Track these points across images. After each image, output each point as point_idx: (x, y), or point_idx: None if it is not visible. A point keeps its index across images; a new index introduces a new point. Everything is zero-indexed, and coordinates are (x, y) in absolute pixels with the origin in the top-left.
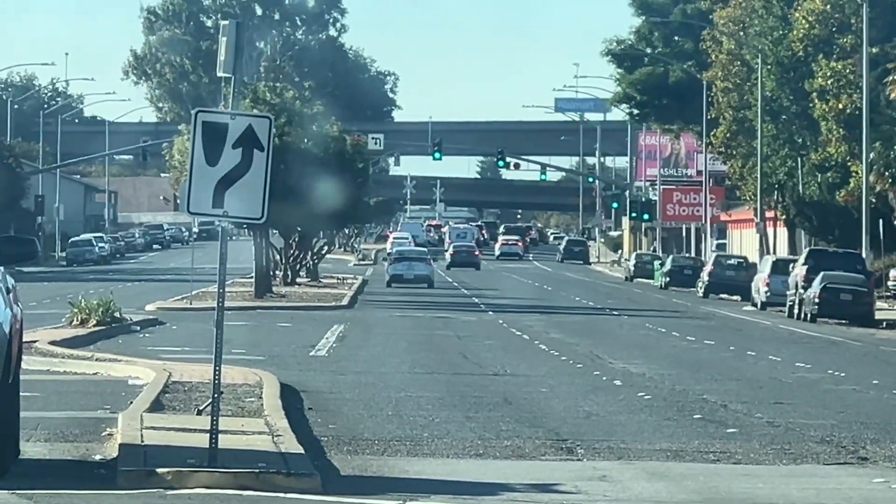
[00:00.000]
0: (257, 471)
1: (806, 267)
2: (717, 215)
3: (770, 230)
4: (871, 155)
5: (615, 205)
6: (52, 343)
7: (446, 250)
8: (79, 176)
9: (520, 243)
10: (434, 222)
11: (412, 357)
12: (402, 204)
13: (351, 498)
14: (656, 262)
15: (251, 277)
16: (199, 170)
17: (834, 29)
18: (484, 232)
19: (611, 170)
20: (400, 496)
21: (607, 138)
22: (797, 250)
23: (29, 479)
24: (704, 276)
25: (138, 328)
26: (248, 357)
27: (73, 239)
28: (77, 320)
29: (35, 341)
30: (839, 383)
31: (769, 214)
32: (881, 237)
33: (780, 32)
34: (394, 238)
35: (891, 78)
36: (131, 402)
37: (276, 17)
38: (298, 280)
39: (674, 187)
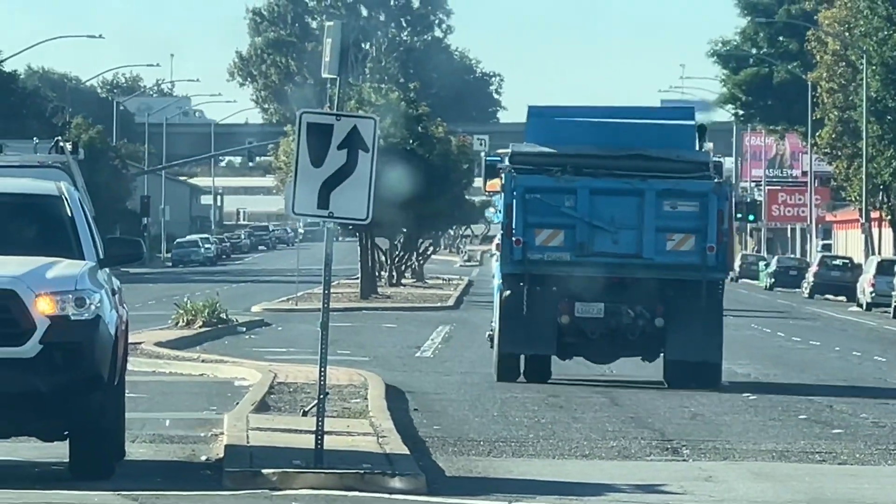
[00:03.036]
0: (362, 472)
1: None
2: (822, 216)
3: (875, 230)
4: None
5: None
6: (158, 344)
7: None
8: (185, 178)
9: None
10: None
11: None
12: None
13: (456, 498)
14: (761, 263)
15: (356, 278)
16: (304, 171)
17: None
18: None
19: None
20: (505, 497)
21: (713, 139)
22: None
23: (134, 479)
24: (810, 276)
25: (244, 329)
26: (354, 358)
27: (178, 240)
28: (183, 321)
29: (141, 343)
30: None
31: (874, 215)
32: None
33: (886, 33)
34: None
35: None
36: (237, 403)
37: (382, 17)
38: (404, 281)
39: (779, 188)
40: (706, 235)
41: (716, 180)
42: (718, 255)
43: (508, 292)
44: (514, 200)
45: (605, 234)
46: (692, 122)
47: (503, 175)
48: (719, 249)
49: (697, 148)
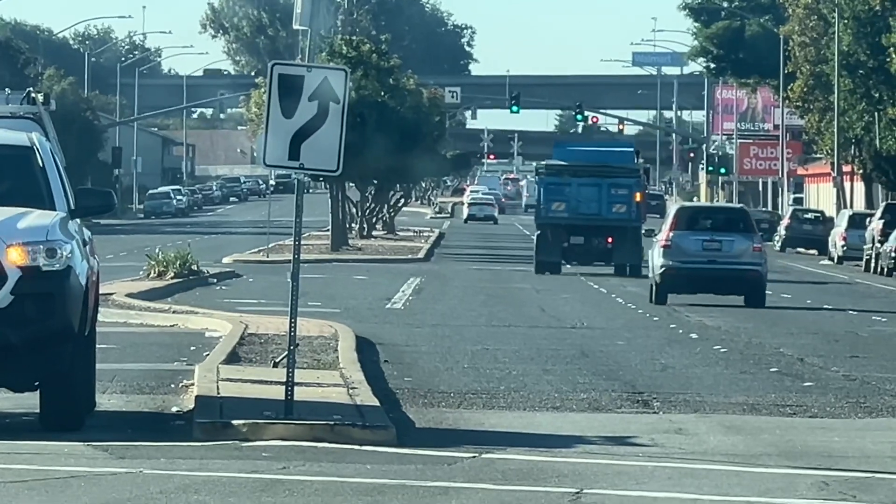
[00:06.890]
0: (332, 423)
1: (883, 221)
2: (793, 169)
3: (847, 184)
4: None
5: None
6: (129, 295)
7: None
8: (156, 129)
9: None
10: (512, 176)
11: (489, 310)
12: (479, 158)
13: (426, 450)
14: None
15: (327, 230)
16: (275, 122)
17: None
18: None
19: (688, 123)
20: (476, 448)
21: (684, 92)
22: (874, 204)
23: (104, 430)
24: (781, 229)
25: (215, 280)
26: (324, 310)
27: (150, 192)
28: (154, 273)
29: (112, 293)
30: None
31: (846, 169)
32: None
33: None
34: (470, 190)
35: None
36: (207, 355)
37: None
38: (374, 233)
39: (751, 141)
40: (630, 205)
41: (636, 179)
42: (637, 214)
43: (539, 232)
44: (541, 188)
45: (584, 204)
46: (632, 149)
47: (537, 175)
48: (637, 212)
49: (635, 161)
